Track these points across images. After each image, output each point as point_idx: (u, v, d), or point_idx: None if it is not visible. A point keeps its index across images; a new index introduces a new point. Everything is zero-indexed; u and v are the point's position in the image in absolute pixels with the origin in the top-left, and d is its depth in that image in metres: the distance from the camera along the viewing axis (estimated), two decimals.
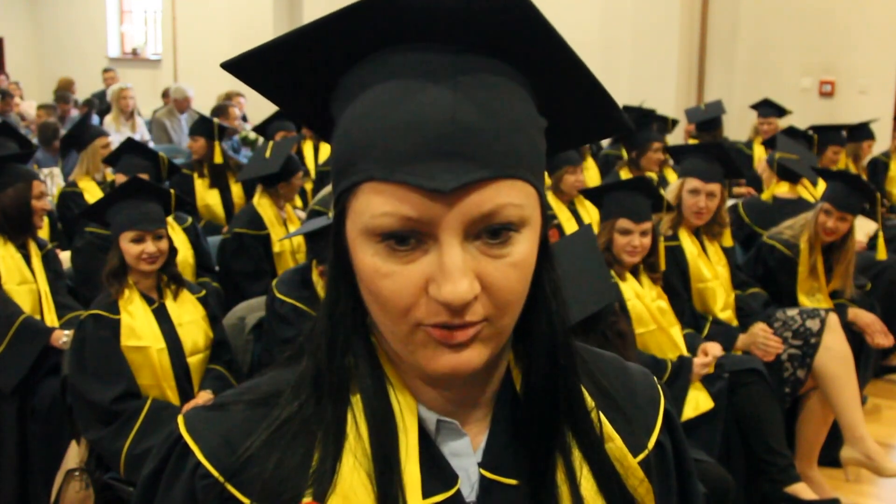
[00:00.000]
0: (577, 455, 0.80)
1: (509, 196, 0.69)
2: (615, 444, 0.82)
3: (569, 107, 0.77)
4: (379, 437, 0.75)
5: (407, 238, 0.69)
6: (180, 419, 0.81)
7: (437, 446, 0.79)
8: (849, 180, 3.75)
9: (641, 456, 0.85)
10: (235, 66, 0.74)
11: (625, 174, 5.18)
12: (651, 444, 0.86)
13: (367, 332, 0.78)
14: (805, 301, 3.79)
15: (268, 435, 0.77)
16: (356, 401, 0.77)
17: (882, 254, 4.05)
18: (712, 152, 3.63)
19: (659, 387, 0.91)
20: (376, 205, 0.69)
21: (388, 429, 0.76)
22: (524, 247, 0.71)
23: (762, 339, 3.37)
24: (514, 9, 0.68)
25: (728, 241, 3.79)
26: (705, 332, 3.46)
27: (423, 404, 0.79)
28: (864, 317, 3.75)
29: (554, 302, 0.78)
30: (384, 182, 0.68)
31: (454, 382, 0.77)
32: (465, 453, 0.80)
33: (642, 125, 5.39)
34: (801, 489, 3.13)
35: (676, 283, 3.46)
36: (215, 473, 0.77)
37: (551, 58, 0.72)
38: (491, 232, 0.70)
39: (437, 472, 0.77)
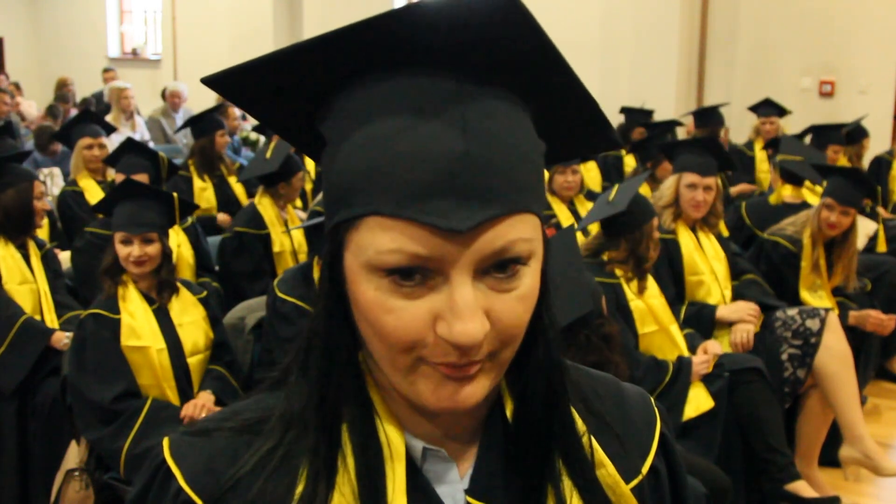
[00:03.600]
0: (566, 483, 0.78)
1: (520, 231, 0.68)
2: (607, 470, 0.80)
3: (564, 126, 0.76)
4: (365, 473, 0.74)
5: (412, 273, 0.67)
6: (165, 442, 0.80)
7: (424, 474, 0.78)
8: (849, 174, 3.77)
9: (635, 482, 0.83)
10: (216, 83, 0.71)
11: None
12: (645, 469, 0.85)
13: (357, 363, 0.76)
14: (807, 297, 3.80)
15: (252, 464, 0.76)
16: (344, 434, 0.76)
17: (882, 246, 4.07)
18: (706, 146, 3.69)
19: (655, 409, 0.89)
20: (383, 241, 0.66)
21: (375, 464, 0.75)
22: (530, 280, 0.70)
23: (746, 312, 3.42)
24: (519, 31, 0.66)
25: (724, 230, 3.83)
26: (682, 314, 3.47)
27: (410, 432, 0.77)
28: (864, 317, 3.76)
29: (551, 331, 0.77)
30: (391, 218, 0.65)
31: (449, 415, 0.76)
32: (452, 480, 0.78)
33: (657, 136, 5.37)
34: (801, 487, 3.13)
35: (665, 276, 3.48)
36: (198, 501, 0.76)
37: (553, 80, 0.71)
38: (499, 266, 0.68)
39: (424, 501, 0.76)
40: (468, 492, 0.78)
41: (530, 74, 0.69)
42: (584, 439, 0.80)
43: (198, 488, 0.76)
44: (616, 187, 3.23)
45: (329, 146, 0.72)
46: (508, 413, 0.79)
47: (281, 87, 0.72)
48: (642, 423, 0.87)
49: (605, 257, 3.15)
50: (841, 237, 3.76)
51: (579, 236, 3.48)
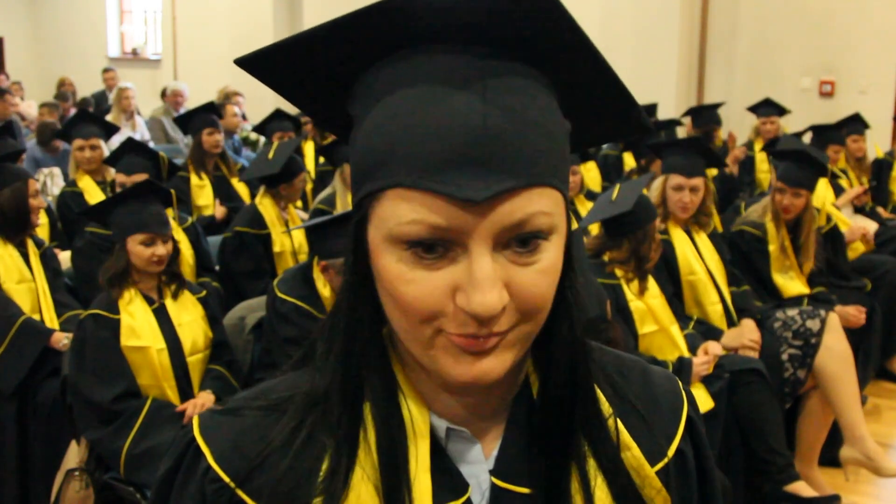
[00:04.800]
0: (591, 464, 0.78)
1: (539, 204, 0.68)
2: (632, 452, 0.81)
3: (590, 108, 0.76)
4: (388, 448, 0.75)
5: (434, 246, 0.68)
6: (195, 420, 0.81)
7: (448, 454, 0.78)
8: (797, 157, 3.81)
9: (660, 465, 0.83)
10: (249, 63, 0.73)
11: None
12: (671, 452, 0.84)
13: (381, 339, 0.77)
14: (780, 280, 3.85)
15: (279, 442, 0.76)
16: (367, 410, 0.76)
17: (821, 219, 4.19)
18: (693, 146, 3.68)
19: (683, 393, 0.89)
20: (403, 212, 0.67)
21: (398, 440, 0.75)
22: (552, 254, 0.70)
23: (748, 339, 3.41)
24: (542, 8, 0.66)
25: (718, 225, 3.85)
26: (688, 330, 3.47)
27: (435, 412, 0.78)
28: (844, 315, 3.78)
29: (575, 309, 0.77)
30: (412, 189, 0.67)
31: (473, 389, 0.76)
32: (477, 461, 0.79)
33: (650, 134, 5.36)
34: (800, 488, 3.14)
35: (662, 276, 3.48)
36: (226, 478, 0.77)
37: (577, 59, 0.71)
38: (520, 240, 0.68)
39: (448, 480, 0.77)
40: (493, 472, 0.78)
41: (554, 53, 0.70)
42: (610, 421, 0.80)
43: (226, 467, 0.77)
44: (617, 187, 3.23)
45: (355, 125, 0.73)
46: (534, 393, 0.79)
47: (308, 69, 0.73)
48: (669, 406, 0.87)
49: (606, 257, 3.14)
50: (804, 218, 3.81)
51: None
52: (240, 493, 0.76)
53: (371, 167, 0.69)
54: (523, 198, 0.67)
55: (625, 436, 0.81)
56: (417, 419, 0.76)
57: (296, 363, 0.83)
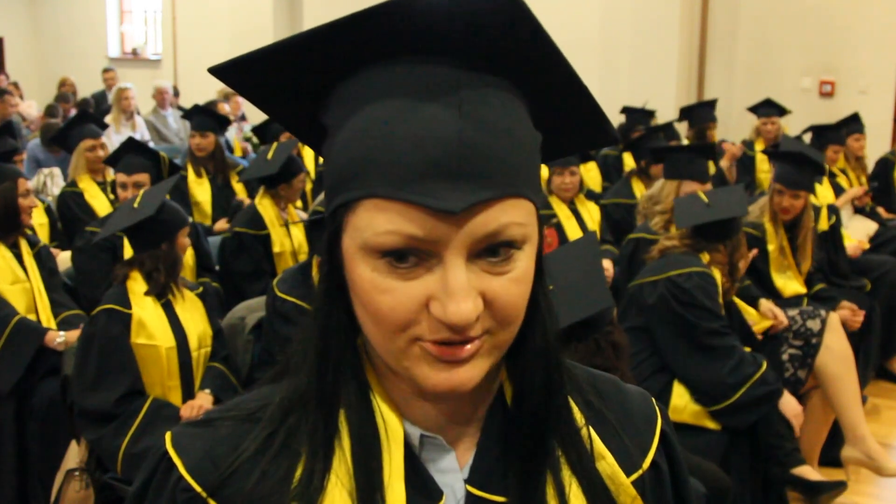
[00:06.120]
0: (566, 472, 0.79)
1: (513, 215, 0.69)
2: (606, 461, 0.81)
3: (560, 120, 0.77)
4: (362, 456, 0.75)
5: (407, 255, 0.68)
6: (168, 435, 0.80)
7: (422, 462, 0.78)
8: (794, 159, 3.81)
9: (635, 475, 0.83)
10: (223, 72, 0.73)
11: (636, 183, 5.16)
12: (646, 464, 0.85)
13: (356, 347, 0.77)
14: (778, 280, 3.87)
15: (252, 450, 0.76)
16: (341, 418, 0.76)
17: (824, 224, 4.21)
18: (702, 152, 3.67)
19: (657, 407, 0.90)
20: (379, 222, 0.68)
21: (372, 447, 0.75)
22: (525, 263, 0.71)
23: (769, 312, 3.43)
24: (516, 21, 0.67)
25: None
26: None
27: (409, 420, 0.78)
28: (845, 316, 3.79)
29: (549, 316, 0.78)
30: (388, 200, 0.67)
31: (448, 398, 0.76)
32: (451, 469, 0.79)
33: (649, 135, 5.36)
34: (807, 471, 3.14)
35: None
36: (197, 488, 0.76)
37: (549, 72, 0.72)
38: (493, 250, 0.69)
39: (422, 489, 0.76)
40: (467, 481, 0.78)
41: (527, 66, 0.71)
42: (583, 431, 0.81)
43: (198, 476, 0.77)
44: (702, 192, 3.21)
45: (329, 134, 0.73)
46: (508, 400, 0.79)
47: (284, 78, 0.73)
48: (643, 419, 0.87)
49: (704, 258, 3.13)
50: (802, 219, 3.81)
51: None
52: (211, 502, 0.76)
53: (346, 177, 0.69)
54: (497, 209, 0.68)
55: (598, 445, 0.81)
56: (391, 426, 0.76)
57: (271, 377, 0.83)
